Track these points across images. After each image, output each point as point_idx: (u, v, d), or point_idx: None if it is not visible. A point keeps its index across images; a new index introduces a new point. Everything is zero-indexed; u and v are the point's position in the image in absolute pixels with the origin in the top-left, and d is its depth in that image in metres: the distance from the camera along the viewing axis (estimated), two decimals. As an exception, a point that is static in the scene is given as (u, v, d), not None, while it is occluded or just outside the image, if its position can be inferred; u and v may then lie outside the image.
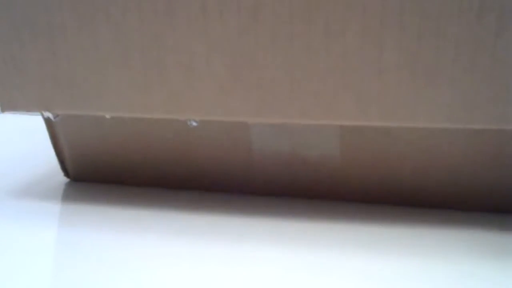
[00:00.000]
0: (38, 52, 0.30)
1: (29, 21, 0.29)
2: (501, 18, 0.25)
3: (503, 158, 0.30)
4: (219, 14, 0.27)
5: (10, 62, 0.30)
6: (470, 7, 0.25)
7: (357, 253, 0.28)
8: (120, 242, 0.29)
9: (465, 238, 0.29)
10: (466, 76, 0.26)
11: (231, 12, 0.27)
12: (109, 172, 0.36)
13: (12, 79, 0.30)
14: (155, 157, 0.34)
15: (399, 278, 0.26)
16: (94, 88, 0.30)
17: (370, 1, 0.26)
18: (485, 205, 0.31)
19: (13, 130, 0.53)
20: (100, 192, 0.35)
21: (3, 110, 0.31)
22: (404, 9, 0.26)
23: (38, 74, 0.30)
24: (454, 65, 0.26)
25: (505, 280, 0.26)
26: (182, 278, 0.26)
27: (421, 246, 0.29)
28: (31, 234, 0.30)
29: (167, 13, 0.28)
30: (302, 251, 0.29)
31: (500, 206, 0.31)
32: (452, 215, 0.31)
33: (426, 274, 0.27)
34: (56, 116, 0.33)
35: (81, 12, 0.29)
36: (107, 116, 0.31)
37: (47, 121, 0.35)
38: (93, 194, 0.35)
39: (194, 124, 0.31)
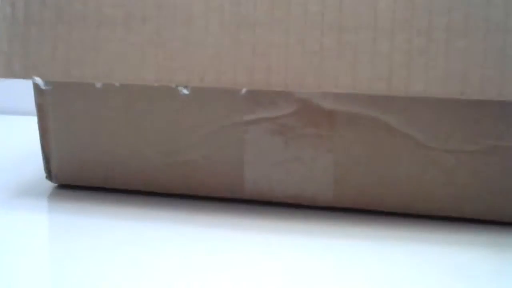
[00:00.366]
0: (43, 16, 0.30)
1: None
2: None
3: (501, 152, 0.29)
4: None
5: (10, 25, 0.30)
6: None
7: (354, 269, 0.27)
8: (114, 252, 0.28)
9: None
10: (460, 42, 0.26)
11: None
12: (96, 173, 0.35)
13: (11, 43, 0.31)
14: (143, 154, 0.34)
15: None
16: (89, 54, 0.30)
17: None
18: (484, 212, 0.30)
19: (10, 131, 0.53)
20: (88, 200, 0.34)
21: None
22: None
23: (39, 40, 0.31)
24: (448, 31, 0.26)
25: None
26: None
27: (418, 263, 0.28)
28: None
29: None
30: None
31: (500, 214, 0.30)
32: (450, 226, 0.30)
33: None
34: (47, 84, 0.33)
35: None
36: (98, 85, 0.31)
37: (40, 108, 0.35)
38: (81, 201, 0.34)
39: (185, 92, 0.30)
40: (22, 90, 0.51)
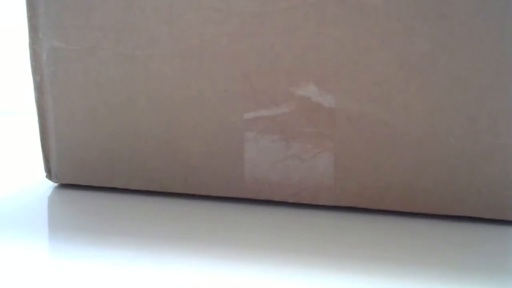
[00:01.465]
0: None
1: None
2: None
3: (502, 149, 0.29)
4: None
5: None
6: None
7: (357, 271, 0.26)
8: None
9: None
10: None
11: None
12: (96, 173, 0.35)
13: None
14: (144, 153, 0.34)
15: None
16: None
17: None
18: (484, 210, 0.30)
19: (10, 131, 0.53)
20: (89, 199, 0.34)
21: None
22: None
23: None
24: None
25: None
26: None
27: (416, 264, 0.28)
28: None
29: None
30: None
31: (500, 213, 0.30)
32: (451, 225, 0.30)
33: None
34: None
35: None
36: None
37: (40, 108, 0.35)
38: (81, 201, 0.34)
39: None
40: (22, 90, 0.51)
